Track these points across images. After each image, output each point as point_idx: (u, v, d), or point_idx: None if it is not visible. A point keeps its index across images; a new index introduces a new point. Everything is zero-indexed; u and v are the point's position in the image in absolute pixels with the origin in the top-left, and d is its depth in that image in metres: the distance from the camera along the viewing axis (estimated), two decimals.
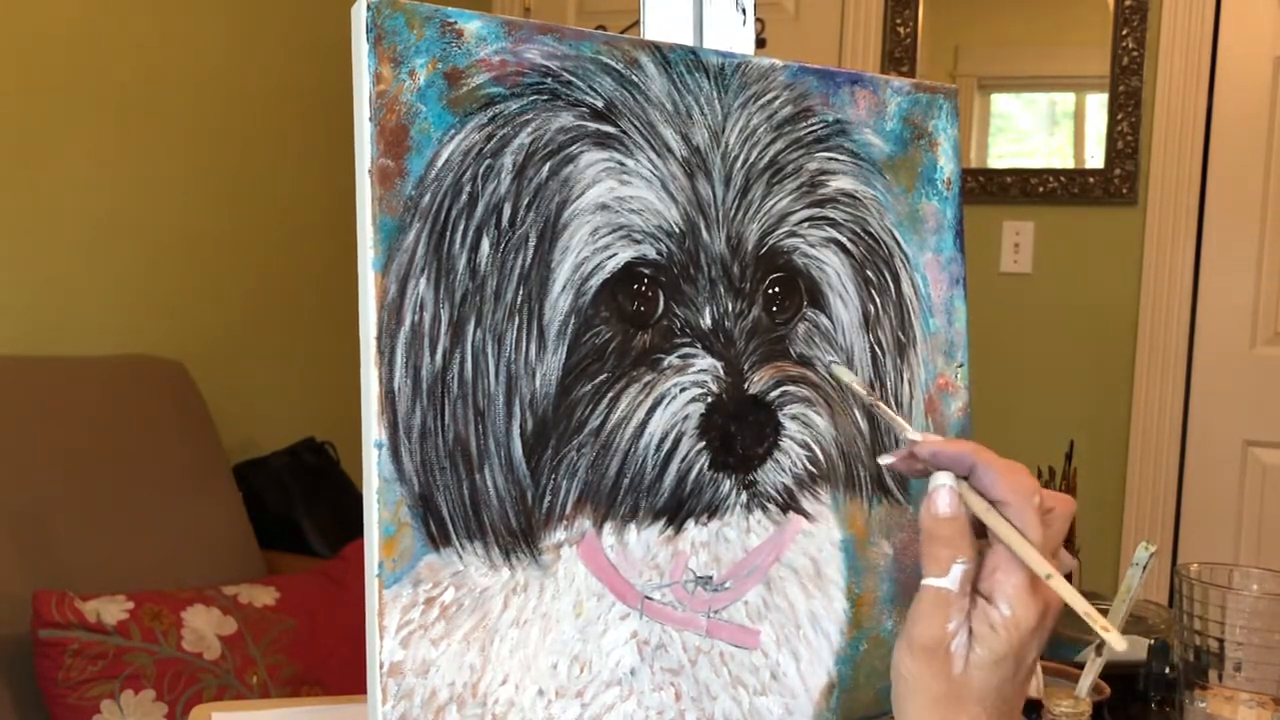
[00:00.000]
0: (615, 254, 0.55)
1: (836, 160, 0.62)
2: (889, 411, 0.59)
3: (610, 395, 0.55)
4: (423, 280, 0.50)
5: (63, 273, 1.90)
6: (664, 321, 0.56)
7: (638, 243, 0.55)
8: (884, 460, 0.57)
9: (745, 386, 0.58)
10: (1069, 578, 1.10)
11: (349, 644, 1.67)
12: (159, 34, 2.04)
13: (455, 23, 0.51)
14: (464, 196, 0.51)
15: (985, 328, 2.31)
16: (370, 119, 0.49)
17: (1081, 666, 0.81)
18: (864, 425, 0.63)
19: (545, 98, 0.54)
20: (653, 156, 0.56)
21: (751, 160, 0.59)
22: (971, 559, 0.52)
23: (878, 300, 0.64)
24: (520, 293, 0.53)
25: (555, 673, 0.54)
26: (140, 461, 1.76)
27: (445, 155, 0.51)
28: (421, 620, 0.51)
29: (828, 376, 0.61)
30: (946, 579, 0.51)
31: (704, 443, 0.56)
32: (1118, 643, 0.49)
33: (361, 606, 0.50)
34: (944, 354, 0.67)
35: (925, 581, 0.52)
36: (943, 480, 0.53)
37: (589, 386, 0.54)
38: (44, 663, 1.42)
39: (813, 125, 0.62)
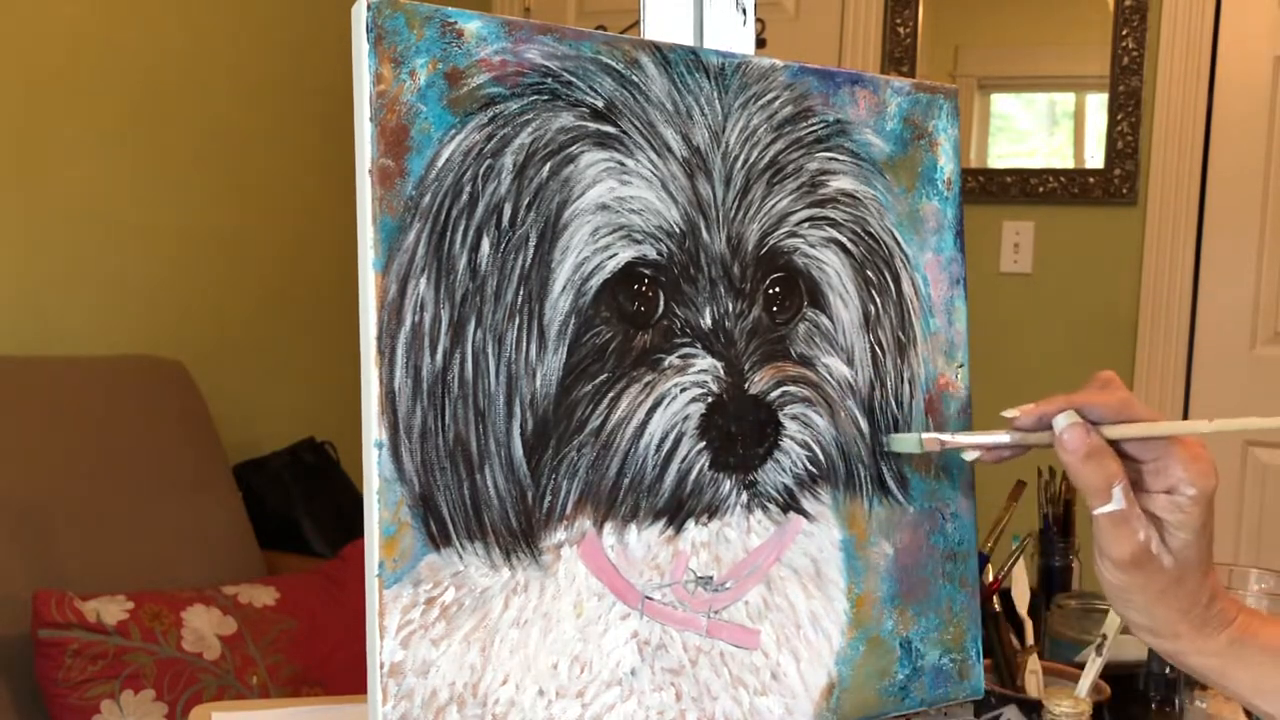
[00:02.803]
0: (615, 254, 0.55)
1: (837, 160, 0.62)
2: (975, 435, 0.61)
3: (610, 395, 0.55)
4: (423, 280, 0.50)
5: (63, 273, 1.90)
6: (664, 321, 0.56)
7: (638, 243, 0.55)
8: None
9: (746, 386, 0.58)
10: (1070, 572, 1.09)
11: (349, 644, 1.66)
12: (160, 34, 2.04)
13: (455, 23, 0.51)
14: (464, 196, 0.51)
15: (985, 328, 2.30)
16: (371, 119, 0.49)
17: (1081, 666, 0.81)
18: (864, 425, 0.63)
19: (545, 98, 0.54)
20: (653, 156, 0.56)
21: (752, 160, 0.59)
22: (1123, 474, 0.54)
23: (878, 300, 0.64)
24: (520, 293, 0.53)
25: (555, 673, 0.54)
26: (140, 461, 1.76)
27: (445, 155, 0.51)
28: (422, 620, 0.51)
29: (828, 377, 0.61)
30: (1113, 503, 0.54)
31: (704, 443, 0.56)
32: None
33: (361, 606, 0.50)
34: (944, 354, 0.67)
35: (1096, 512, 0.55)
36: (1065, 420, 0.55)
37: (589, 387, 0.54)
38: (44, 663, 1.42)
39: (813, 125, 0.62)
